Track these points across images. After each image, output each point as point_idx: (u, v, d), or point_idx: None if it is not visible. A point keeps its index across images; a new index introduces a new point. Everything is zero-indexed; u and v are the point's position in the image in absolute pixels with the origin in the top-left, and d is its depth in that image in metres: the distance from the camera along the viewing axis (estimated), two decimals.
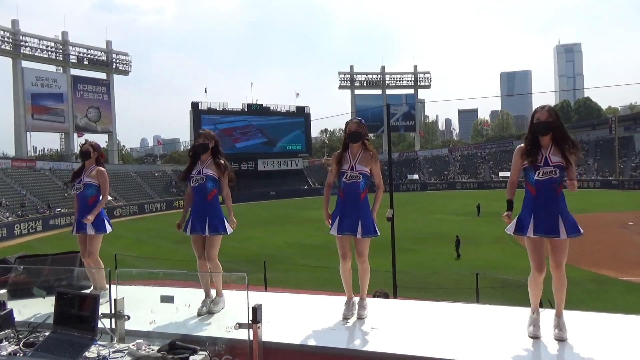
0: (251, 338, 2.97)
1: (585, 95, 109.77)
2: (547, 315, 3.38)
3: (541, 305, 3.42)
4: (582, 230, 3.24)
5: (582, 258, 21.31)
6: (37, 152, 70.70)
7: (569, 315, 3.66)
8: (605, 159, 65.43)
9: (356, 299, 3.93)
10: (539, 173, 3.22)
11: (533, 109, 3.41)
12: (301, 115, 74.71)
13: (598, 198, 48.02)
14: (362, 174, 3.78)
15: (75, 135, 62.58)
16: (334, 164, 3.87)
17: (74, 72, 62.90)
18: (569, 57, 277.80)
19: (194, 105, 67.16)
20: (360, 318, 3.76)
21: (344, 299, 3.93)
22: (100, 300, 2.99)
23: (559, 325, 3.20)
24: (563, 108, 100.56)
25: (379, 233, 3.86)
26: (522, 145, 3.36)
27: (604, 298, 15.88)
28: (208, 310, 4.01)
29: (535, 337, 3.22)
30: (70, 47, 61.92)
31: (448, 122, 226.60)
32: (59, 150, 75.10)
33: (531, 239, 3.29)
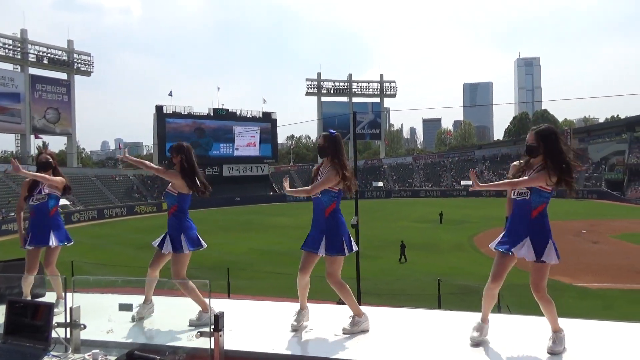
0: (213, 346, 2.92)
1: (543, 108, 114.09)
2: (502, 321, 3.46)
3: (500, 310, 3.49)
4: (552, 259, 3.18)
5: None
6: None
7: (524, 321, 3.78)
8: None
9: (309, 308, 3.87)
10: (514, 192, 3.30)
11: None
12: (268, 121, 74.49)
13: (554, 207, 49.50)
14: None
15: (32, 136, 60.31)
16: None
17: (33, 71, 60.67)
18: (528, 70, 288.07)
19: (159, 108, 65.89)
20: (347, 333, 3.56)
21: (308, 306, 3.91)
22: (55, 310, 2.89)
23: (555, 339, 3.17)
24: (522, 119, 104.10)
25: (346, 252, 3.66)
26: (518, 162, 3.42)
27: (559, 303, 16.15)
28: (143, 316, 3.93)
29: (477, 344, 3.25)
30: (29, 46, 59.72)
31: (412, 130, 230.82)
32: (14, 152, 72.16)
33: (499, 253, 3.34)
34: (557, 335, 3.20)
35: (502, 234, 3.38)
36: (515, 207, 3.32)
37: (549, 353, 3.13)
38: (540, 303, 3.28)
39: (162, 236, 4.03)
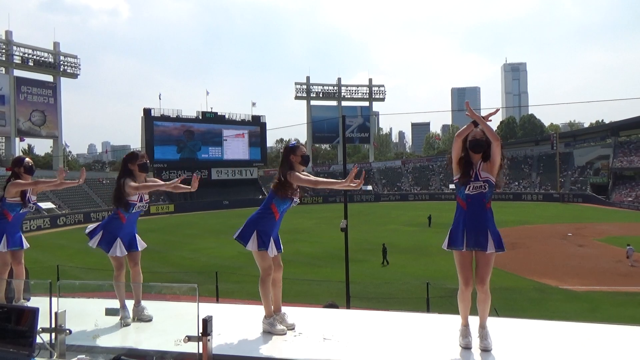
0: (201, 351, 2.89)
1: (530, 112, 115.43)
2: (489, 324, 3.48)
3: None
4: (505, 248, 3.32)
5: (525, 268, 22.22)
6: None
7: (513, 323, 3.81)
8: (547, 173, 68.95)
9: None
10: (469, 187, 3.33)
11: None
12: (257, 124, 74.36)
13: (540, 211, 50.37)
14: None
15: (17, 139, 59.54)
16: None
17: (18, 73, 59.93)
18: (515, 75, 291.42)
19: (147, 111, 65.42)
20: (267, 332, 3.69)
21: (296, 309, 3.91)
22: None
23: (484, 335, 3.26)
24: (509, 124, 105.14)
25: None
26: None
27: (546, 306, 16.57)
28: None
29: (467, 347, 3.28)
30: (14, 47, 58.99)
31: (401, 134, 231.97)
32: None
33: (461, 254, 3.37)
34: (485, 330, 3.28)
35: (452, 234, 3.40)
36: (470, 202, 3.33)
37: (481, 349, 3.18)
38: (483, 297, 3.32)
39: (134, 238, 4.18)
